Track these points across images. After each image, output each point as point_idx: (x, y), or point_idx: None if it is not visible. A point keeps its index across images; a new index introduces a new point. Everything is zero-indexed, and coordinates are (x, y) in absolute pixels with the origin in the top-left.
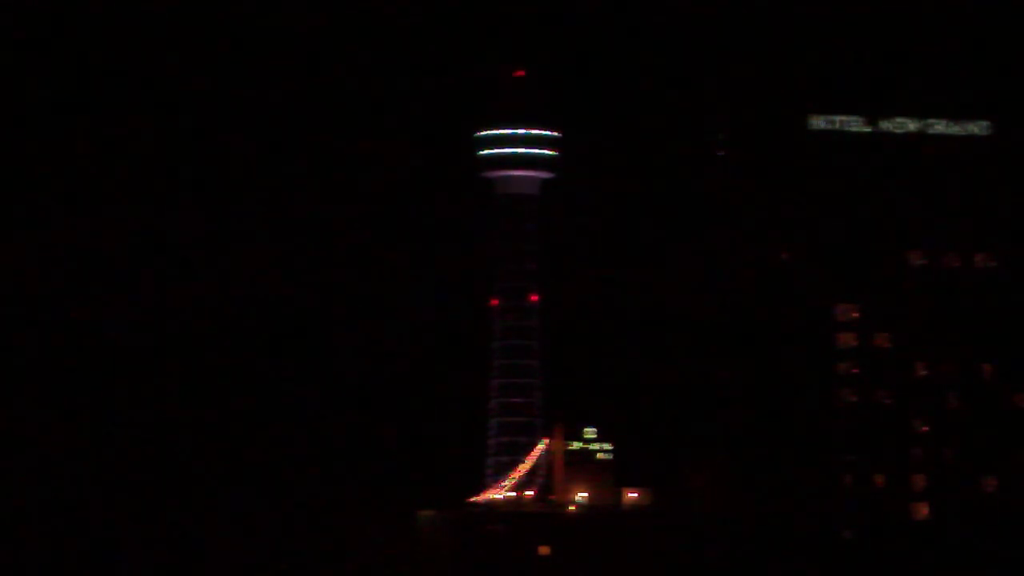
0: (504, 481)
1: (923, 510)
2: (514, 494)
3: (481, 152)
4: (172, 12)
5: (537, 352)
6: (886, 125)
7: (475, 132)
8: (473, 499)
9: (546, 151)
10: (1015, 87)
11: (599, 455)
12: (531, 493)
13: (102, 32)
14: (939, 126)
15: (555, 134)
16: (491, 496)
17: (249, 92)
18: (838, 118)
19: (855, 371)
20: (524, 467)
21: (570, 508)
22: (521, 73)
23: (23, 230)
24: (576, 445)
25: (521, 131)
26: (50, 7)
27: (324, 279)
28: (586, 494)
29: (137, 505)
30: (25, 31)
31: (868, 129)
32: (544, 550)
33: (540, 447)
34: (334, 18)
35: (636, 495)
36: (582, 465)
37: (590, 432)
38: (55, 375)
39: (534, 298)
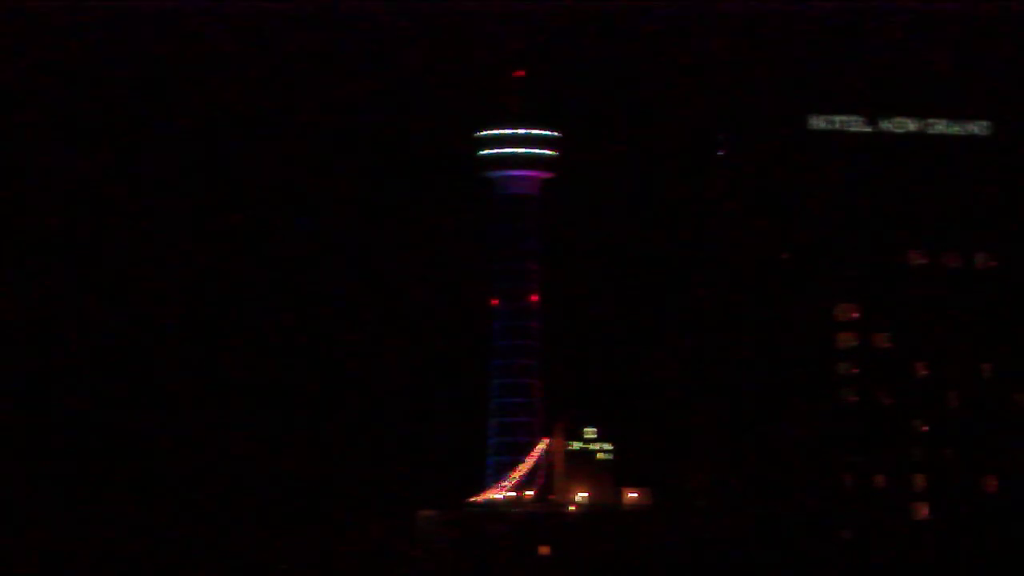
0: (504, 481)
1: (923, 510)
2: (514, 494)
3: (481, 152)
4: (169, 11)
5: (537, 352)
6: (886, 125)
7: (475, 132)
8: (473, 499)
9: (546, 151)
10: (1015, 87)
11: (599, 455)
12: (531, 493)
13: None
14: (939, 126)
15: (555, 134)
16: (491, 496)
17: (248, 91)
18: (838, 118)
19: (855, 371)
20: (524, 467)
21: (570, 508)
22: (521, 73)
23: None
24: (576, 445)
25: (521, 131)
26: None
27: (324, 278)
28: (586, 494)
29: (135, 505)
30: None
31: (868, 129)
32: (544, 550)
33: (540, 447)
34: (335, 17)
35: (636, 495)
36: (582, 465)
37: (590, 432)
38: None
39: (534, 298)
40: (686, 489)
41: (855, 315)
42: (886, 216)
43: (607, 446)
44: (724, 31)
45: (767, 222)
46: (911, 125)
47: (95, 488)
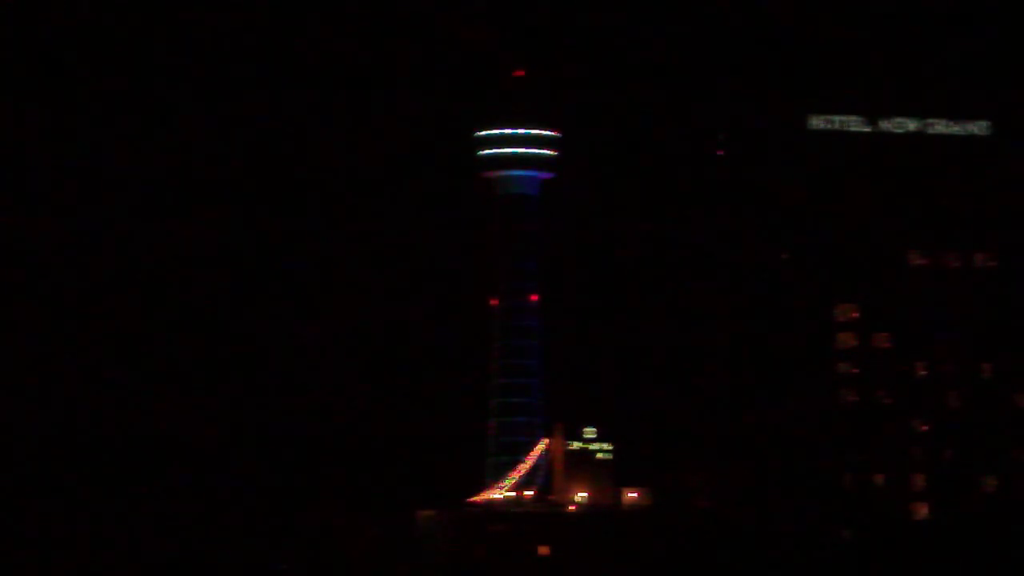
0: (504, 481)
1: (923, 510)
2: (514, 494)
3: (481, 152)
4: (166, 10)
5: (537, 352)
6: (886, 125)
7: (475, 132)
8: (473, 499)
9: (546, 151)
10: (1015, 87)
11: (599, 455)
12: (531, 493)
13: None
14: (939, 126)
15: (555, 134)
16: (491, 496)
17: (248, 91)
18: (838, 118)
19: (855, 371)
20: (524, 467)
21: (570, 508)
22: (521, 73)
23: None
24: (576, 445)
25: (521, 131)
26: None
27: (324, 278)
28: (586, 494)
29: (135, 504)
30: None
31: (868, 129)
32: (544, 550)
33: (540, 447)
34: (334, 17)
35: (636, 495)
36: (582, 465)
37: (590, 432)
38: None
39: (534, 298)
40: (686, 489)
41: (855, 315)
42: (886, 216)
43: (607, 446)
44: (724, 30)
45: (767, 222)
46: (911, 125)
47: (93, 489)
